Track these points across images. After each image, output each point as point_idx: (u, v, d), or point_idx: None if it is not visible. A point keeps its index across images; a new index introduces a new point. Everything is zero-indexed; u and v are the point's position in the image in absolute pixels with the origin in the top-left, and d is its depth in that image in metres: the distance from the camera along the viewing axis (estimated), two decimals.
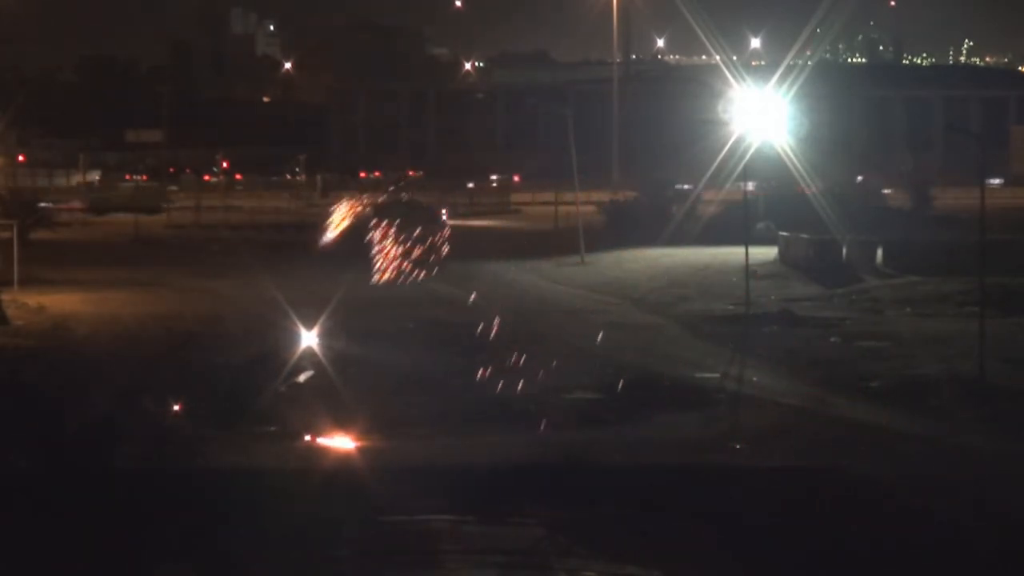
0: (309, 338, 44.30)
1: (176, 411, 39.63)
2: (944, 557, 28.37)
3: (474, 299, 64.71)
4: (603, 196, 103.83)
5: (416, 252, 74.71)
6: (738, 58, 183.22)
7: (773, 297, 62.36)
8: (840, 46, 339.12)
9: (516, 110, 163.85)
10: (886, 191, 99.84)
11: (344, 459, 35.83)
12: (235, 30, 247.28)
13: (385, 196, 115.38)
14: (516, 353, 49.48)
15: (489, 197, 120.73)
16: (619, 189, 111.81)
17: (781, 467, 34.46)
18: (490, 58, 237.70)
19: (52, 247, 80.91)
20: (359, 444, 37.24)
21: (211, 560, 27.99)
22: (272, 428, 38.79)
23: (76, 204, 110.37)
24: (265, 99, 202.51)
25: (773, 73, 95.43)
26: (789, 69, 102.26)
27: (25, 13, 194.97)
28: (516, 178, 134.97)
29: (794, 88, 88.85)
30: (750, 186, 76.94)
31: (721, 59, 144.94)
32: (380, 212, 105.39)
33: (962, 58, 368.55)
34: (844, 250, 69.68)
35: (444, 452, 35.92)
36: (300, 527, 29.65)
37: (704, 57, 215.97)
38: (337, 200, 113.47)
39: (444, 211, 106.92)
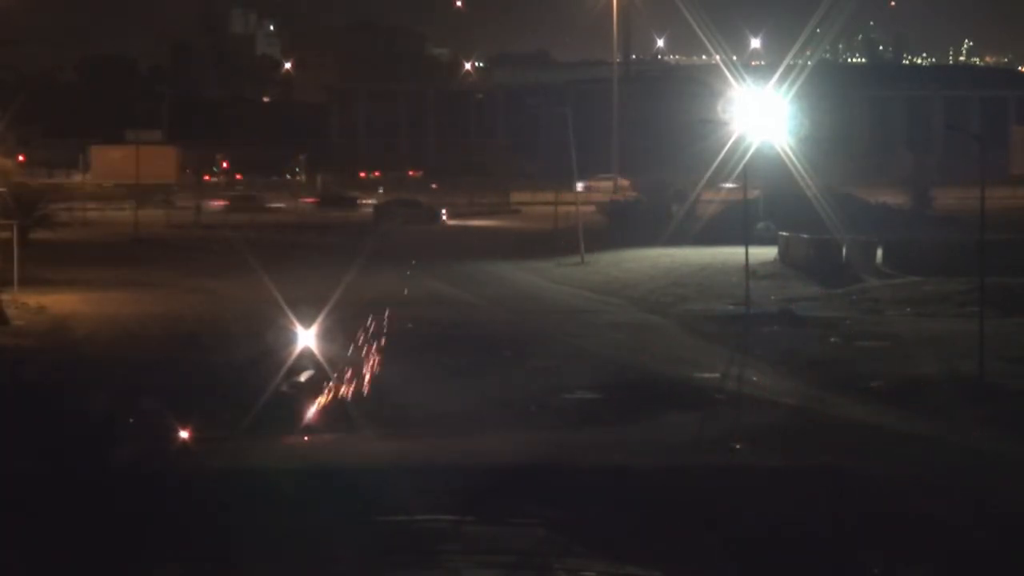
0: (308, 338, 44.30)
1: (176, 412, 39.73)
2: (944, 557, 28.37)
3: (474, 299, 64.75)
4: (603, 196, 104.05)
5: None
6: (738, 58, 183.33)
7: (773, 297, 62.34)
8: (840, 46, 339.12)
9: (516, 110, 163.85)
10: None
11: (344, 459, 35.82)
12: (235, 30, 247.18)
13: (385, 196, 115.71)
14: (516, 353, 49.50)
15: (489, 197, 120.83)
16: (619, 189, 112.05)
17: (781, 467, 34.46)
18: (490, 58, 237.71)
19: (52, 247, 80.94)
20: (359, 444, 37.25)
21: (211, 560, 27.99)
22: (272, 428, 38.79)
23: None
24: (265, 99, 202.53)
25: (773, 73, 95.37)
26: (789, 69, 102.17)
27: (25, 13, 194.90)
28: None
29: (794, 88, 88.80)
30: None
31: (721, 59, 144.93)
32: (380, 212, 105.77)
33: (962, 58, 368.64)
34: (844, 250, 69.67)
35: (444, 452, 35.92)
36: (300, 527, 29.66)
37: (704, 57, 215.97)
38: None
39: (444, 211, 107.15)
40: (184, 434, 37.63)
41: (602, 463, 34.89)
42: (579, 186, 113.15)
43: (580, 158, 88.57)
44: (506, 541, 29.17)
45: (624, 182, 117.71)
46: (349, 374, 42.01)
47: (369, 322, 52.50)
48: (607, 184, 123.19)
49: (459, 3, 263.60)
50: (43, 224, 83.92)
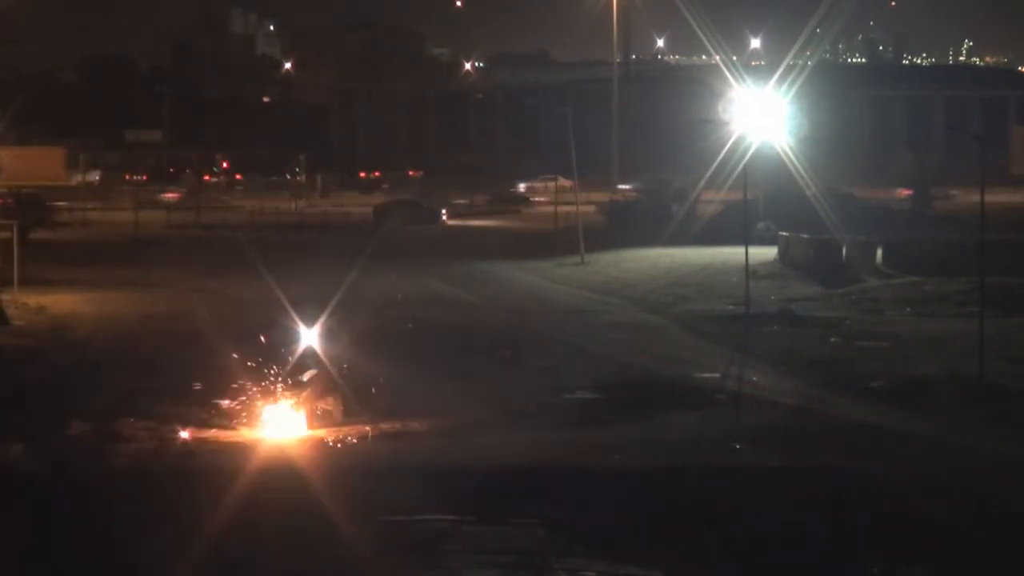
0: (309, 337, 44.23)
1: (176, 412, 39.75)
2: (944, 557, 28.35)
3: (474, 298, 64.76)
4: (603, 196, 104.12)
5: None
6: (738, 58, 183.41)
7: (773, 297, 62.35)
8: (840, 46, 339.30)
9: (516, 110, 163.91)
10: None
11: (344, 459, 35.82)
12: (235, 30, 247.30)
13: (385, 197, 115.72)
14: (516, 353, 49.48)
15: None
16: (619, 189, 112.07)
17: (781, 467, 34.45)
18: (490, 58, 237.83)
19: (52, 247, 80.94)
20: (359, 444, 37.25)
21: (210, 560, 27.98)
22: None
23: None
24: (265, 99, 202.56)
25: (773, 73, 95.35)
26: (789, 69, 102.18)
27: (25, 13, 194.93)
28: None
29: (794, 88, 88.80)
30: None
31: (721, 59, 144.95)
32: (380, 212, 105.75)
33: (962, 58, 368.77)
34: (844, 250, 69.68)
35: (444, 452, 35.91)
36: (300, 527, 29.66)
37: (704, 57, 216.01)
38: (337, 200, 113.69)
39: (444, 211, 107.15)
40: (185, 434, 37.65)
41: (602, 463, 34.88)
42: (520, 186, 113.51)
43: (580, 158, 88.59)
44: (506, 541, 29.16)
45: (567, 183, 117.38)
46: (349, 374, 41.97)
47: (370, 322, 52.48)
48: (549, 185, 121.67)
49: (459, 3, 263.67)
50: (43, 224, 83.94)
